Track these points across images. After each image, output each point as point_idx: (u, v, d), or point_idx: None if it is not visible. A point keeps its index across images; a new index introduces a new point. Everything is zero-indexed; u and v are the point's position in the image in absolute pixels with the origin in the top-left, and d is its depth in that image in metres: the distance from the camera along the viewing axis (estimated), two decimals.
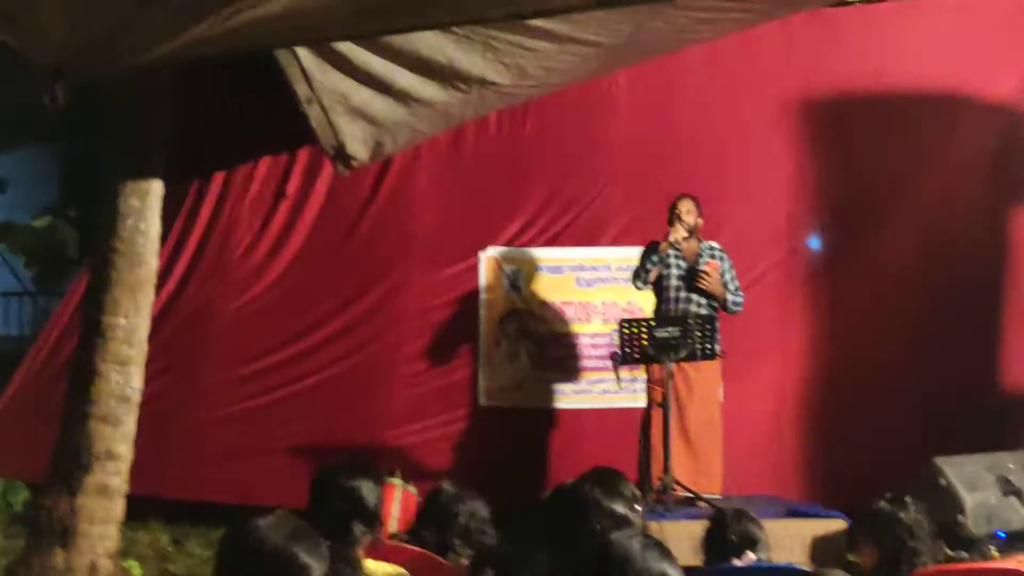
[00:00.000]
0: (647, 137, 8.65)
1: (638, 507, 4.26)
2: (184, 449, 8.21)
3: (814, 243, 8.77)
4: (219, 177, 8.42)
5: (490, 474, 7.97)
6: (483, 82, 7.05)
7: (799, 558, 7.07)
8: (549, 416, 8.57)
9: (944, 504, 6.73)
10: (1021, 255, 8.64)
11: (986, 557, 6.63)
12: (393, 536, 5.09)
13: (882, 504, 5.13)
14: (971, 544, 6.65)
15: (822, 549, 7.15)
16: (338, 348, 8.42)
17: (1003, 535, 6.76)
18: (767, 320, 8.60)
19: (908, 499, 5.24)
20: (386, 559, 4.20)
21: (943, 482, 6.79)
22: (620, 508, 3.29)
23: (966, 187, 8.62)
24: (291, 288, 8.44)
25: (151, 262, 6.61)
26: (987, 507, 6.74)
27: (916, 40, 8.59)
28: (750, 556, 4.87)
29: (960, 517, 6.67)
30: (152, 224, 6.63)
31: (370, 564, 4.10)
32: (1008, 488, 6.83)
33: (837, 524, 7.23)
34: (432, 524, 4.80)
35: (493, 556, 4.43)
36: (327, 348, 8.42)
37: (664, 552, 2.75)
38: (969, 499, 6.69)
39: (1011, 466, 6.98)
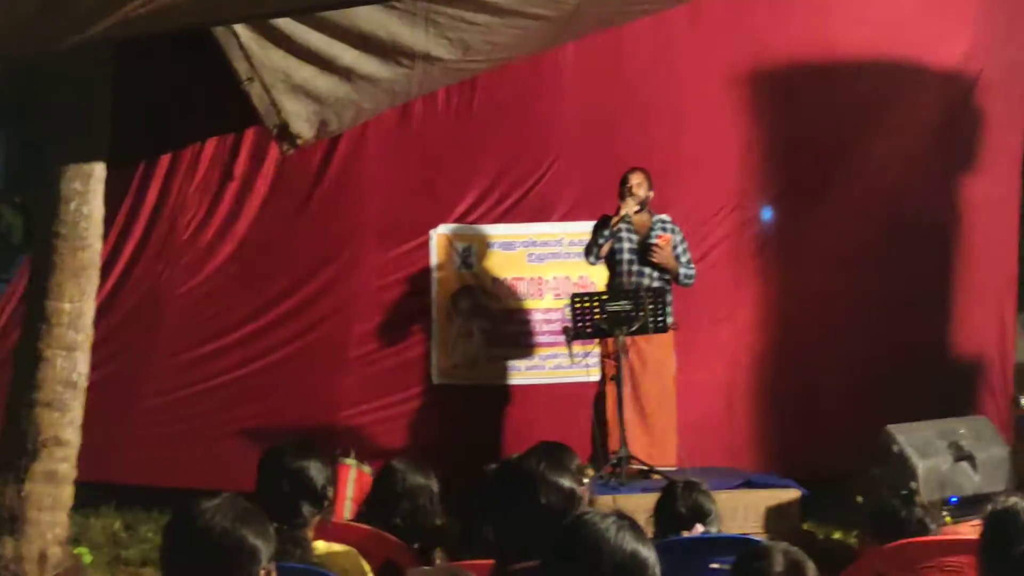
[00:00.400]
0: (596, 111, 8.61)
1: (585, 480, 4.23)
2: (135, 434, 8.13)
3: (765, 214, 8.77)
4: (165, 159, 8.31)
5: (445, 452, 7.97)
6: (427, 57, 7.00)
7: (753, 528, 7.12)
8: (503, 393, 8.56)
9: (897, 471, 6.78)
10: (970, 223, 8.68)
11: (939, 523, 6.69)
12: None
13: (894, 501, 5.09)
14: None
15: (776, 518, 7.21)
16: (289, 329, 8.36)
17: (955, 500, 6.81)
18: (719, 292, 8.61)
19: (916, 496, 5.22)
20: (337, 539, 4.17)
21: (896, 449, 6.84)
22: (567, 482, 3.25)
23: (916, 156, 8.68)
24: (240, 270, 8.37)
25: (95, 245, 6.50)
26: (939, 473, 6.80)
27: (865, 8, 8.60)
28: (699, 528, 4.85)
29: (913, 483, 6.70)
30: (95, 207, 6.52)
31: (320, 545, 4.06)
32: (960, 454, 6.88)
33: (791, 493, 7.29)
34: (381, 503, 4.78)
35: (442, 535, 4.42)
36: (278, 330, 8.35)
37: (637, 532, 2.72)
38: (922, 465, 6.74)
39: (962, 432, 7.04)
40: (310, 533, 4.09)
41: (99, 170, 6.54)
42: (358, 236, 8.47)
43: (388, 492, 4.78)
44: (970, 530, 6.63)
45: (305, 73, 6.88)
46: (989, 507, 3.75)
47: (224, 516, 2.90)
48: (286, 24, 6.38)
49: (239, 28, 6.41)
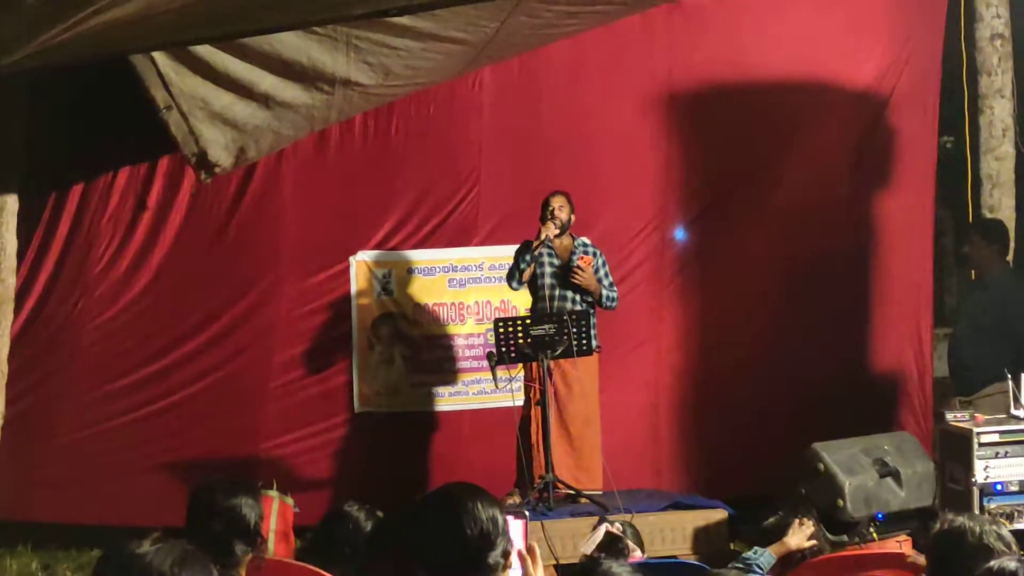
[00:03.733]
0: (514, 135, 8.58)
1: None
2: (51, 471, 7.95)
3: (681, 234, 8.79)
4: (77, 189, 8.10)
5: (370, 481, 7.94)
6: (347, 83, 6.94)
7: (682, 549, 7.15)
8: (427, 419, 8.47)
9: (824, 489, 6.80)
10: (886, 240, 8.77)
11: (866, 540, 6.74)
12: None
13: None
14: (851, 527, 6.74)
15: (704, 539, 7.27)
16: (208, 360, 8.20)
17: (882, 516, 6.86)
18: (641, 313, 8.63)
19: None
20: None
21: (822, 467, 6.85)
22: (490, 510, 3.17)
23: (831, 174, 8.75)
24: (156, 301, 8.19)
25: (8, 280, 6.40)
26: (865, 490, 6.83)
27: (777, 29, 8.65)
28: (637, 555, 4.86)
29: (840, 501, 6.73)
30: (8, 241, 6.42)
31: None
32: (885, 470, 6.92)
33: (718, 514, 7.35)
34: (326, 544, 4.66)
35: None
36: (196, 361, 8.19)
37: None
38: (848, 483, 6.76)
39: (887, 448, 7.09)
40: (242, 572, 4.01)
41: (11, 202, 6.44)
42: (276, 264, 8.33)
43: (335, 535, 4.66)
44: (896, 545, 6.73)
45: (224, 100, 6.78)
46: (935, 526, 3.76)
47: (163, 560, 2.78)
48: (205, 51, 6.29)
49: (157, 55, 6.30)
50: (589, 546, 5.27)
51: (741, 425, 8.44)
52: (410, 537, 3.06)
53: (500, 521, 3.03)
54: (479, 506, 2.98)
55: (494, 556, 2.92)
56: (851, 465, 6.89)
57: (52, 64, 5.00)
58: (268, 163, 8.24)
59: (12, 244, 6.36)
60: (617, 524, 5.49)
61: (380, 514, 4.62)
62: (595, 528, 5.37)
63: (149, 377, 8.16)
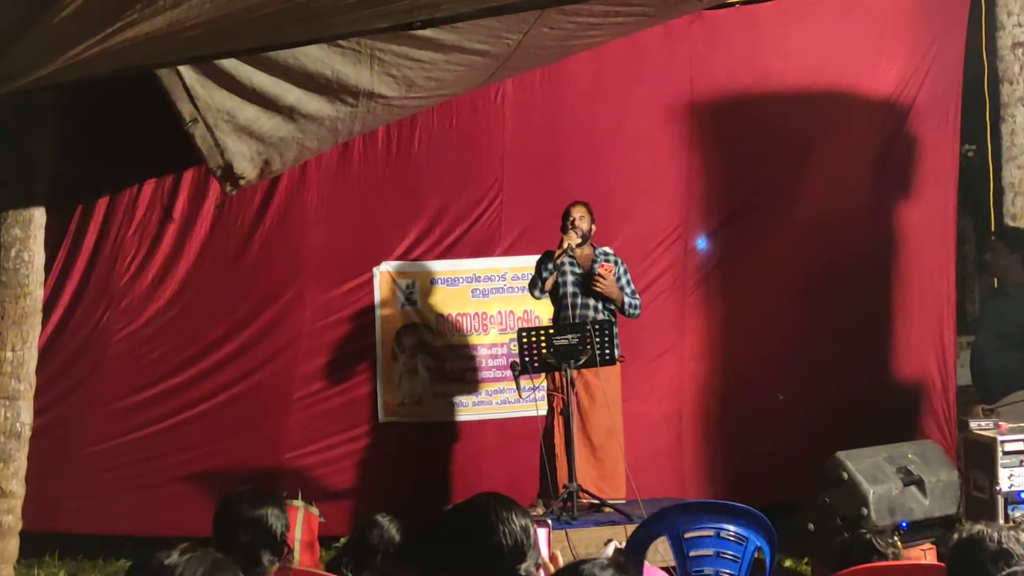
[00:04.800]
0: (536, 146, 8.61)
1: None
2: (77, 482, 7.99)
3: (703, 244, 8.79)
4: (103, 202, 8.16)
5: (393, 491, 7.94)
6: (371, 95, 6.96)
7: None
8: (450, 429, 8.50)
9: (848, 497, 6.79)
10: (908, 248, 8.76)
11: (891, 549, 6.72)
12: None
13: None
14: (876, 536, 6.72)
15: None
16: (232, 372, 8.25)
17: (905, 525, 6.83)
18: (663, 323, 8.64)
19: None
20: None
21: (845, 475, 6.84)
22: (520, 519, 3.17)
23: (852, 183, 8.73)
24: (181, 313, 8.23)
25: (36, 293, 6.43)
26: (889, 498, 6.81)
27: (799, 39, 8.66)
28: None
29: (864, 509, 6.72)
30: (36, 253, 6.46)
31: None
32: (909, 478, 6.90)
33: None
34: (357, 554, 4.69)
35: None
36: (221, 372, 8.24)
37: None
38: (872, 491, 6.75)
39: (911, 456, 7.07)
40: None
41: (39, 215, 6.48)
42: (300, 275, 8.37)
43: (366, 544, 4.69)
44: (920, 554, 6.71)
45: (249, 113, 6.81)
46: (954, 536, 3.74)
47: (194, 570, 2.81)
48: (231, 64, 6.31)
49: (183, 69, 6.33)
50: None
51: (764, 434, 8.42)
52: (442, 547, 3.06)
53: (532, 532, 3.03)
54: (512, 516, 2.99)
55: (526, 567, 2.92)
56: (875, 473, 6.87)
57: (79, 79, 5.03)
58: (292, 175, 8.30)
59: (40, 257, 6.39)
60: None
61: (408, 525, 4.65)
62: (605, 545, 5.37)
63: (174, 388, 8.21)
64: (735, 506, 5.76)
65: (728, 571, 5.58)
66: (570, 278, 7.67)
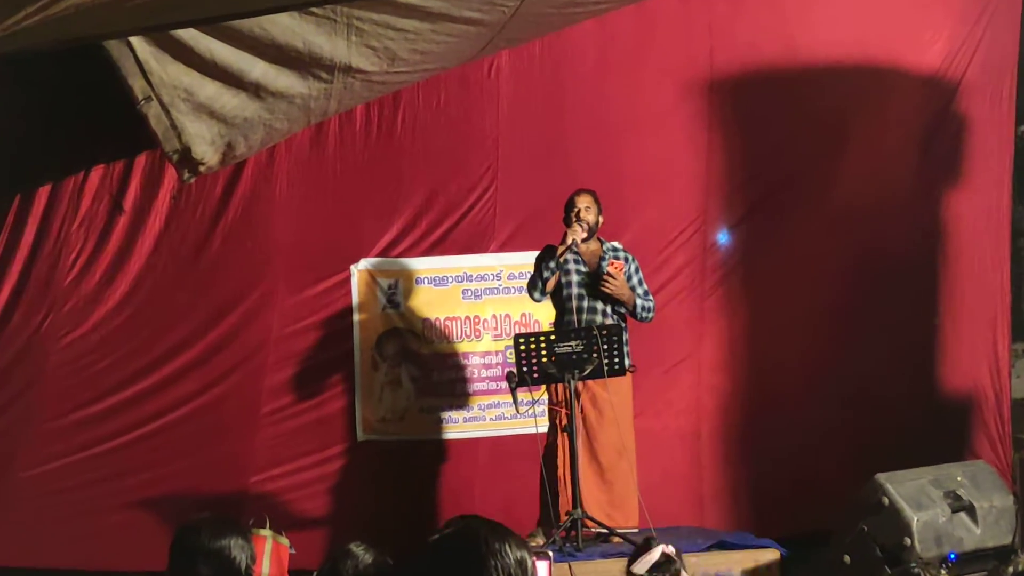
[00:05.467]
0: (535, 127, 8.63)
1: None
2: (14, 509, 7.97)
3: (725, 238, 8.82)
4: (44, 190, 8.12)
5: (374, 518, 7.95)
6: (348, 70, 6.95)
7: None
8: (438, 449, 8.50)
9: (888, 525, 6.79)
10: (957, 242, 8.77)
11: None
12: None
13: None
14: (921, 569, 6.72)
15: None
16: (191, 383, 8.22)
17: (954, 557, 6.82)
18: (680, 328, 8.67)
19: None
20: None
21: (886, 501, 6.84)
22: (517, 551, 3.17)
23: (894, 169, 8.78)
24: (133, 317, 8.20)
25: None
26: (936, 527, 6.80)
27: (830, 5, 8.70)
28: None
29: (907, 539, 6.71)
30: None
31: None
32: (958, 504, 6.90)
33: (769, 554, 7.28)
34: None
35: None
36: (178, 384, 8.21)
37: None
38: (916, 518, 6.74)
39: (960, 479, 7.06)
40: None
41: None
42: (268, 274, 8.36)
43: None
44: None
45: (210, 90, 6.78)
46: (1009, 569, 3.75)
47: None
48: (189, 35, 6.29)
49: (135, 41, 6.30)
50: (641, 566, 5.26)
51: (794, 453, 8.45)
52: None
53: (529, 566, 3.02)
54: (507, 548, 2.96)
55: None
56: (919, 499, 6.87)
57: (17, 52, 5.01)
58: (259, 161, 8.28)
59: None
60: (671, 546, 5.48)
61: (388, 557, 4.63)
62: (649, 549, 5.35)
63: (125, 402, 8.18)
64: None
65: None
66: (575, 277, 7.64)
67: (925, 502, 6.87)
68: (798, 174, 8.76)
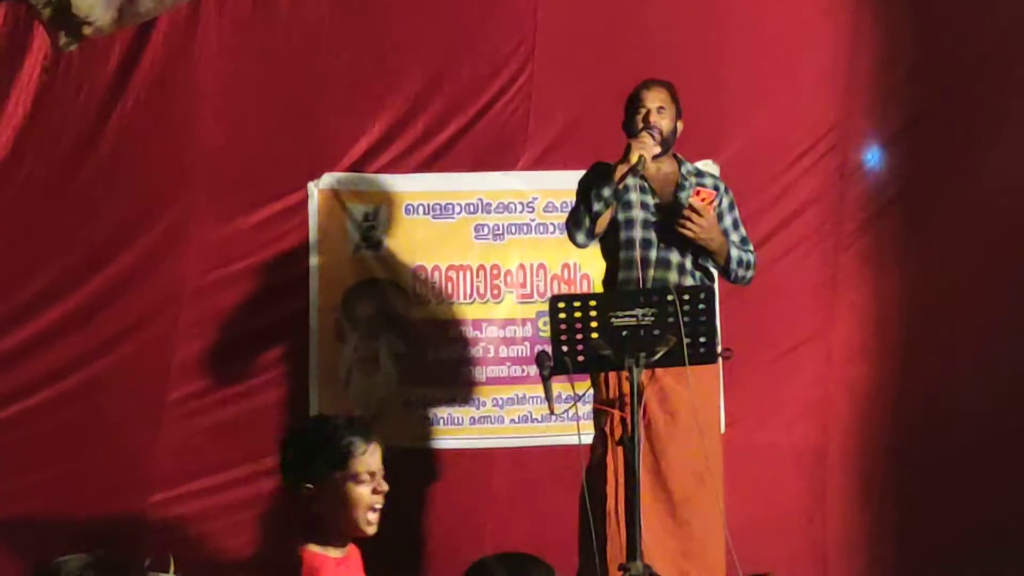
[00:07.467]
0: None
1: None
2: None
3: (874, 161, 8.80)
4: None
5: None
6: None
7: None
8: (432, 461, 8.54)
9: None
10: None
11: None
12: None
13: None
14: None
15: None
16: (62, 352, 8.21)
17: None
18: (800, 294, 8.73)
19: None
20: None
21: None
22: None
23: None
24: None
25: None
26: None
27: None
28: None
29: None
30: None
31: None
32: None
33: None
34: None
35: None
36: (43, 354, 8.19)
37: None
38: None
39: None
40: None
41: None
42: (182, 193, 8.35)
43: None
44: None
45: None
46: None
47: None
48: None
49: None
50: None
51: (969, 487, 8.43)
52: None
53: None
54: None
55: None
56: None
57: None
58: (175, 23, 8.25)
59: None
60: None
61: None
62: None
63: None
64: None
65: None
66: (639, 213, 7.49)
67: None
68: (988, 66, 8.77)
